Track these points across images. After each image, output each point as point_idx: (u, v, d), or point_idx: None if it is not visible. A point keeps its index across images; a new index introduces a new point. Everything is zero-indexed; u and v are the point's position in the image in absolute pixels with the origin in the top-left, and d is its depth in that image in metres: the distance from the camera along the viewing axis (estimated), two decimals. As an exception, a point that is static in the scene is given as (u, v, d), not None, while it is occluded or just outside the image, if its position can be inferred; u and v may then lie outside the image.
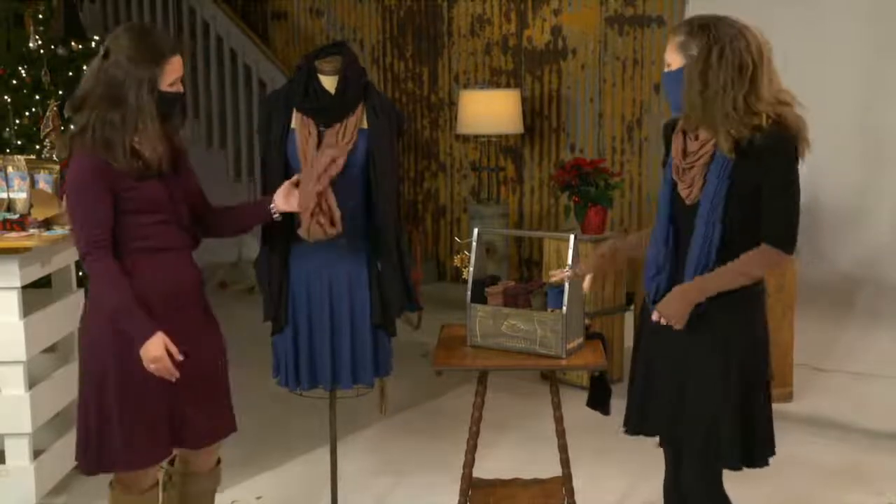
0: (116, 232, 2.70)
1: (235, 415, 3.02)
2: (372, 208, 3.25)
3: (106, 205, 2.67)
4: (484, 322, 3.13)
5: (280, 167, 3.21)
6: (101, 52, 2.73)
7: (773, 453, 2.71)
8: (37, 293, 3.87)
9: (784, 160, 2.52)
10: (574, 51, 6.88)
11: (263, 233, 3.30)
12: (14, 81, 5.57)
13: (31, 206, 3.70)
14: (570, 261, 3.03)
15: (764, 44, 2.54)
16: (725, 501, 2.74)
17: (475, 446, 3.22)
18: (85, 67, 2.83)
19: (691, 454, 2.69)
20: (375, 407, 3.59)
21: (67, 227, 3.40)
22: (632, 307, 5.55)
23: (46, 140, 4.39)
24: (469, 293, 3.16)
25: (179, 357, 2.69)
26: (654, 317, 2.63)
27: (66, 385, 3.69)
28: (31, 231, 3.61)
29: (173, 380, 2.71)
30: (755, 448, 2.65)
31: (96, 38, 5.93)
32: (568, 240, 3.03)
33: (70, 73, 5.54)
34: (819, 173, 5.14)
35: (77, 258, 3.44)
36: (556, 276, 3.06)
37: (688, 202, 2.62)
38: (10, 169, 3.69)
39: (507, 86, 7.08)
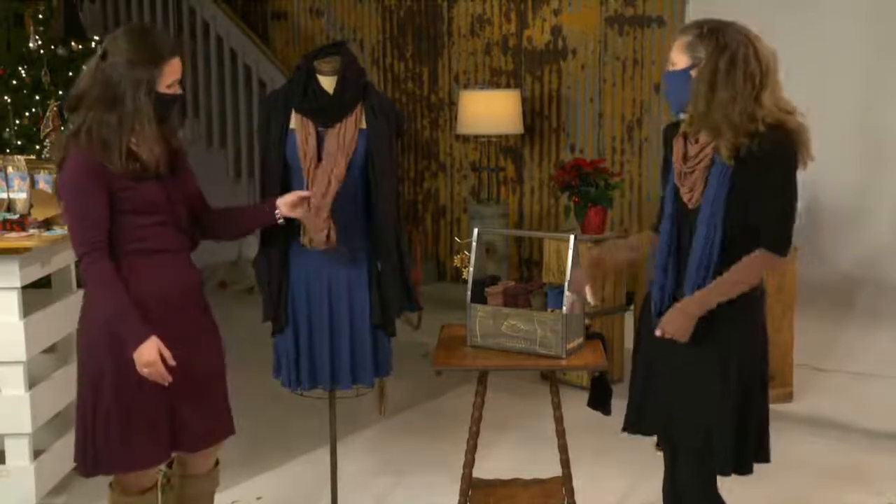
0: (113, 233, 2.69)
1: (235, 415, 3.01)
2: (371, 208, 3.25)
3: (102, 206, 2.66)
4: (484, 322, 3.13)
5: (279, 167, 3.22)
6: (100, 52, 2.72)
7: (766, 460, 2.72)
8: (37, 293, 3.87)
9: (782, 165, 2.53)
10: (574, 51, 6.88)
11: (262, 233, 3.30)
12: (14, 82, 5.57)
13: (31, 206, 3.70)
14: (569, 261, 3.02)
15: (770, 53, 2.54)
16: (719, 502, 2.74)
17: (475, 446, 3.22)
18: (84, 68, 2.80)
19: (687, 454, 2.70)
20: (375, 407, 3.59)
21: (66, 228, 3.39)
22: (632, 307, 5.55)
23: (47, 140, 4.39)
24: (469, 293, 3.16)
25: (172, 362, 2.68)
26: (658, 333, 2.63)
27: (65, 385, 3.69)
28: (31, 231, 3.61)
29: (166, 384, 2.70)
30: (747, 453, 2.65)
31: (96, 38, 5.94)
32: (568, 240, 3.03)
33: (70, 74, 5.54)
34: (819, 173, 5.08)
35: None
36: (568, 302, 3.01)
37: (690, 206, 2.63)
38: (10, 169, 3.69)
39: (507, 86, 7.08)
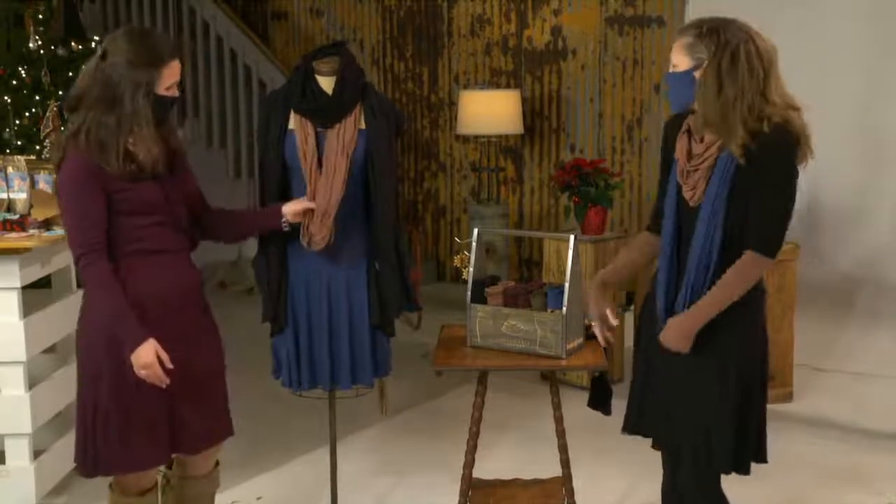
0: (111, 234, 2.68)
1: (234, 416, 3.01)
2: (371, 208, 3.26)
3: (100, 206, 2.66)
4: (484, 322, 3.13)
5: (278, 168, 3.22)
6: (99, 52, 2.71)
7: (763, 460, 2.72)
8: (37, 293, 3.87)
9: (782, 164, 2.52)
10: (574, 51, 6.88)
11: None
12: (14, 82, 5.58)
13: (31, 206, 3.70)
14: (570, 262, 3.02)
15: (772, 48, 2.54)
16: (722, 502, 2.74)
17: (475, 446, 3.22)
18: (84, 68, 2.80)
19: (686, 455, 2.70)
20: (375, 407, 3.59)
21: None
22: (632, 307, 5.55)
23: (47, 140, 4.39)
24: (469, 293, 3.16)
25: (170, 365, 2.68)
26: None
27: (65, 385, 3.69)
28: (31, 231, 3.61)
29: (163, 386, 2.70)
30: (747, 453, 2.65)
31: (96, 38, 5.95)
32: (568, 240, 3.03)
33: (70, 74, 5.55)
34: (819, 173, 5.09)
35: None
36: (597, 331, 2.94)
37: (691, 204, 2.62)
38: (10, 169, 3.69)
39: (507, 86, 7.08)
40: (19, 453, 3.65)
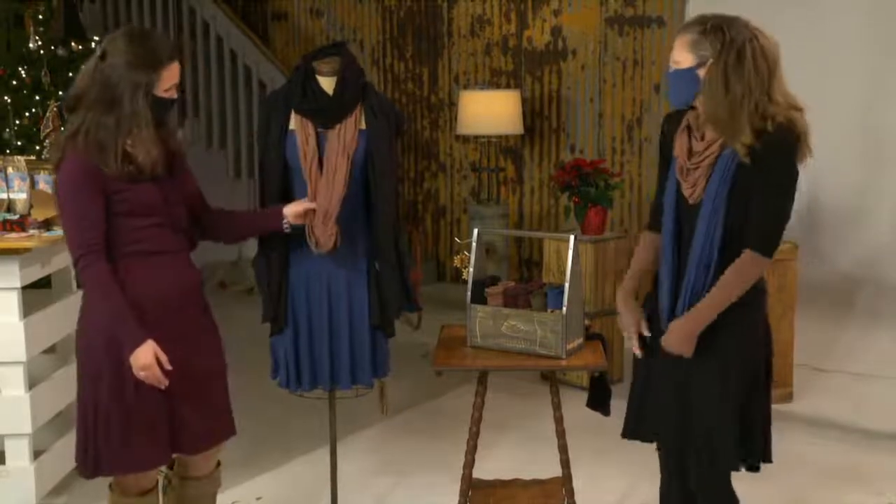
0: (110, 235, 2.68)
1: (235, 416, 3.01)
2: (371, 209, 3.26)
3: (98, 207, 2.65)
4: (484, 322, 3.13)
5: (279, 168, 3.22)
6: (98, 53, 2.71)
7: (768, 460, 2.72)
8: (37, 294, 3.87)
9: (785, 164, 2.52)
10: (574, 51, 6.88)
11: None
12: (14, 82, 5.58)
13: (31, 206, 3.70)
14: (570, 262, 3.02)
15: (775, 46, 2.53)
16: (733, 500, 2.74)
17: (475, 447, 3.22)
18: (83, 68, 2.79)
19: (691, 456, 2.70)
20: (375, 407, 3.59)
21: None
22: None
23: (47, 141, 4.39)
24: (469, 294, 3.16)
25: (168, 366, 2.67)
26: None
27: (65, 385, 3.69)
28: (31, 232, 3.61)
29: (162, 387, 2.70)
30: (753, 451, 2.65)
31: (96, 38, 5.94)
32: (568, 240, 3.03)
33: (70, 74, 5.55)
34: (819, 173, 5.10)
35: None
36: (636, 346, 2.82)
37: (691, 201, 2.62)
38: (10, 169, 3.69)
39: (507, 86, 7.08)
40: (19, 453, 3.65)
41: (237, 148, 7.81)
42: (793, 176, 2.54)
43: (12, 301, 3.56)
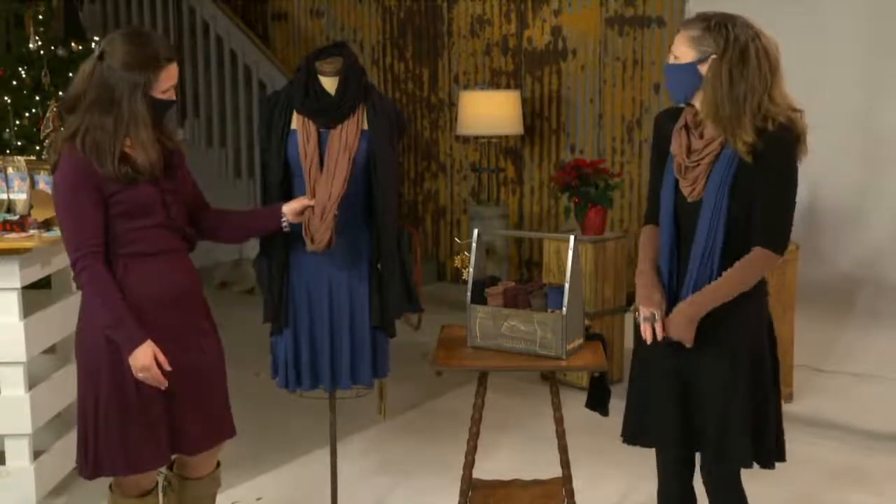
0: (107, 236, 2.67)
1: (235, 416, 3.01)
2: (372, 209, 3.25)
3: (96, 209, 2.65)
4: (484, 323, 3.13)
5: (280, 168, 3.22)
6: (96, 53, 2.70)
7: (781, 458, 2.72)
8: (37, 294, 3.87)
9: (787, 162, 2.54)
10: (574, 51, 6.88)
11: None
12: (14, 82, 5.58)
13: (31, 206, 3.70)
14: (570, 262, 3.02)
15: (776, 47, 2.54)
16: (741, 498, 2.75)
17: (475, 447, 3.22)
18: (81, 68, 2.78)
19: (706, 454, 2.70)
20: (375, 407, 3.59)
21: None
22: (632, 307, 5.54)
23: (47, 141, 4.39)
24: (469, 294, 3.16)
25: (168, 367, 2.67)
26: (660, 337, 2.63)
27: (65, 386, 3.69)
28: (31, 232, 3.61)
29: (162, 388, 2.70)
30: (766, 447, 2.66)
31: (96, 38, 5.94)
32: (568, 240, 3.03)
33: (70, 74, 5.54)
34: (819, 173, 5.14)
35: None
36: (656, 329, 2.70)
37: (690, 199, 2.62)
38: (10, 170, 3.69)
39: (507, 87, 7.08)
40: (19, 454, 3.65)
41: (237, 148, 7.81)
42: (795, 172, 2.56)
43: (12, 301, 3.56)
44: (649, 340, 2.66)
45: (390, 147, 3.25)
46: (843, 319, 5.60)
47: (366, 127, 3.20)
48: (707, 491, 2.78)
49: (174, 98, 2.76)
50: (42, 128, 4.47)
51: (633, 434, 2.80)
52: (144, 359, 2.64)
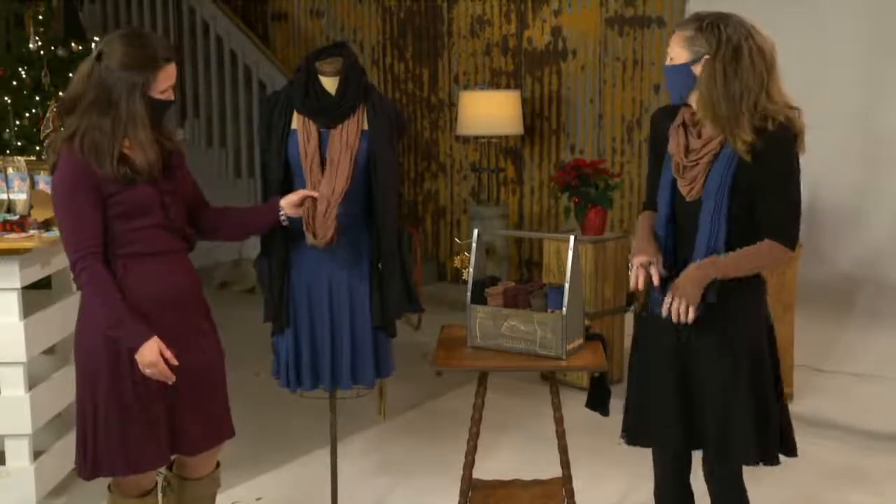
0: (107, 237, 2.67)
1: (235, 416, 3.01)
2: (373, 209, 3.26)
3: (94, 210, 2.64)
4: (484, 323, 3.13)
5: (280, 168, 3.22)
6: (94, 53, 2.70)
7: (793, 454, 2.72)
8: (37, 294, 3.87)
9: (788, 160, 2.55)
10: (574, 52, 6.88)
11: (264, 233, 3.30)
12: (14, 82, 5.58)
13: (31, 207, 3.70)
14: (570, 262, 3.02)
15: (771, 45, 2.55)
16: (743, 496, 2.75)
17: (475, 447, 3.22)
18: (79, 69, 2.78)
19: (709, 452, 2.70)
20: (376, 407, 3.59)
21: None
22: (632, 308, 5.54)
23: (47, 141, 4.39)
24: (469, 294, 3.16)
25: (175, 361, 2.67)
26: (665, 310, 2.57)
27: (65, 386, 3.69)
28: (31, 232, 3.61)
29: (170, 383, 2.70)
30: (770, 444, 2.66)
31: (96, 38, 5.94)
32: (568, 241, 3.03)
33: (70, 74, 5.54)
34: (819, 173, 5.14)
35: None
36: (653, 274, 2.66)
37: (688, 199, 2.62)
38: (10, 170, 3.69)
39: (507, 87, 7.08)
40: (19, 454, 3.65)
41: (237, 148, 7.81)
42: (798, 167, 2.57)
43: (12, 301, 3.56)
44: (640, 286, 2.64)
45: (390, 147, 3.25)
46: (843, 319, 5.60)
47: (366, 127, 3.20)
48: (709, 490, 2.79)
49: (173, 98, 2.75)
50: (42, 128, 4.47)
51: (634, 435, 2.81)
52: (150, 355, 2.64)
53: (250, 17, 8.30)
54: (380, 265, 3.28)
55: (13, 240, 3.53)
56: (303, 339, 3.30)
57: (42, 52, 5.65)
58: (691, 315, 2.54)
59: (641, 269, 2.63)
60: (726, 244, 2.58)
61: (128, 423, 2.73)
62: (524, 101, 6.90)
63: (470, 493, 3.27)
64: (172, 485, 3.02)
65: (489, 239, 6.28)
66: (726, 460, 2.68)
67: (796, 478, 3.97)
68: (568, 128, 6.98)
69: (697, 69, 2.55)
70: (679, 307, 2.54)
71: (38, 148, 5.13)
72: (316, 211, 3.10)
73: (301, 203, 3.07)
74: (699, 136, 2.61)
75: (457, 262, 3.30)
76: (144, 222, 2.72)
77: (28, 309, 3.63)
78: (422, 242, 7.56)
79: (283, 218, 3.09)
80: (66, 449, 3.58)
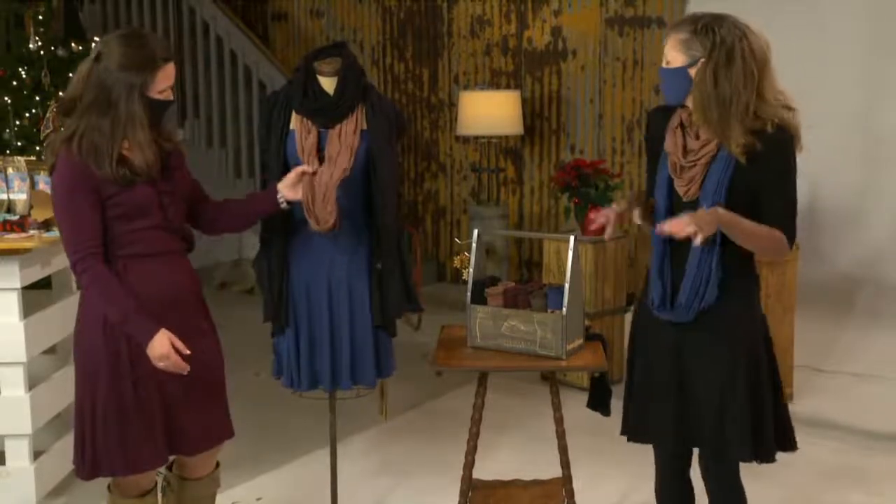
0: (106, 237, 2.67)
1: (234, 416, 3.01)
2: (372, 208, 3.26)
3: (94, 210, 2.64)
4: (484, 323, 3.13)
5: (280, 168, 3.21)
6: (93, 54, 2.69)
7: (793, 448, 2.72)
8: (37, 294, 3.87)
9: (787, 160, 2.55)
10: (574, 52, 6.88)
11: (263, 233, 3.30)
12: (14, 82, 5.59)
13: (31, 207, 3.70)
14: (570, 262, 3.02)
15: (765, 45, 2.54)
16: (741, 494, 2.75)
17: (475, 447, 3.22)
18: (78, 69, 2.78)
19: (705, 449, 2.70)
20: (376, 408, 3.59)
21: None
22: (632, 307, 5.54)
23: (46, 141, 4.39)
24: (469, 294, 3.16)
25: (186, 351, 2.67)
26: (666, 226, 2.48)
27: (65, 386, 3.68)
28: (31, 232, 3.61)
29: (185, 373, 2.69)
30: (766, 441, 2.66)
31: (96, 38, 5.94)
32: (568, 241, 3.03)
33: (70, 75, 5.54)
34: (819, 173, 5.14)
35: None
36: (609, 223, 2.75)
37: (685, 199, 2.62)
38: (10, 170, 3.69)
39: (507, 87, 7.08)
40: (19, 454, 3.65)
41: (237, 148, 7.80)
42: (793, 171, 2.57)
43: (12, 301, 3.56)
44: (611, 225, 2.72)
45: (389, 147, 3.25)
46: (843, 319, 5.60)
47: (365, 127, 3.20)
48: (706, 488, 2.79)
49: (171, 98, 2.75)
50: (42, 128, 4.47)
51: (634, 431, 2.81)
52: (161, 347, 2.64)
53: (250, 18, 8.30)
54: (380, 265, 3.28)
55: (13, 240, 3.53)
56: (302, 339, 3.29)
57: (42, 52, 5.66)
58: (698, 240, 2.44)
59: (613, 212, 2.70)
60: (722, 245, 2.58)
61: (127, 423, 2.73)
62: (524, 102, 6.90)
63: (470, 494, 3.27)
64: (172, 485, 3.02)
65: (489, 239, 6.28)
66: (722, 459, 2.69)
67: (796, 478, 3.98)
68: (568, 128, 6.98)
69: (693, 72, 2.56)
70: (687, 226, 2.43)
71: (38, 148, 5.13)
72: (315, 195, 3.10)
73: (298, 181, 3.04)
74: (697, 136, 2.61)
75: (457, 262, 3.30)
76: (143, 223, 2.71)
77: (28, 309, 3.63)
78: (422, 242, 7.56)
79: (282, 202, 3.05)
80: (65, 449, 3.58)
